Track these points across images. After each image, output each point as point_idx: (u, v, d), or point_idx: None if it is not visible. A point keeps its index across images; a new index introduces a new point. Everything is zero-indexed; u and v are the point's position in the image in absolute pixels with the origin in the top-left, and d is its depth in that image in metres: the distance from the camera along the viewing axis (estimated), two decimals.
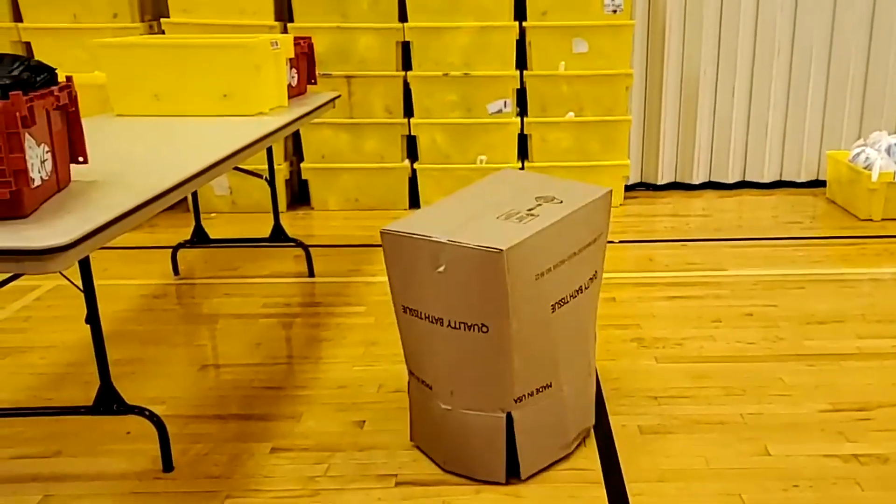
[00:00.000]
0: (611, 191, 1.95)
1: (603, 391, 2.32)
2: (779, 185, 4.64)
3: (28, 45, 4.02)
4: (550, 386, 1.87)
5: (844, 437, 2.07)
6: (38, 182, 1.51)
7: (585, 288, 1.91)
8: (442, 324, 1.77)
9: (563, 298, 1.83)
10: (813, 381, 2.36)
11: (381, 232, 1.82)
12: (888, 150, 3.95)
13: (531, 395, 1.83)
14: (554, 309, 1.81)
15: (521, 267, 1.69)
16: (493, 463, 1.86)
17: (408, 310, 1.84)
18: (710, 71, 4.45)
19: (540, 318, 1.79)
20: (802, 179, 4.62)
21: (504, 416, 1.81)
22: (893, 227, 3.85)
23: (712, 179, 4.64)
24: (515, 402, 1.81)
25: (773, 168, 4.62)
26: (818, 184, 4.57)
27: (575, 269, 1.85)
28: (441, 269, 1.71)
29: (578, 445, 2.04)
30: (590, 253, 1.90)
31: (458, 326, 1.75)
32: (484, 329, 1.73)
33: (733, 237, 3.79)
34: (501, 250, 1.63)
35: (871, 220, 3.93)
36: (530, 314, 1.76)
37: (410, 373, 1.96)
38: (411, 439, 2.04)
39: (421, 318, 1.81)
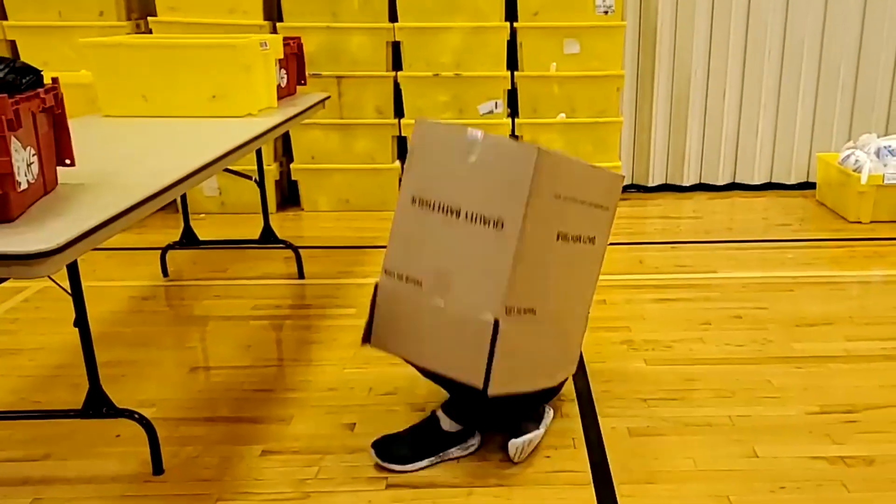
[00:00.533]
0: (623, 176, 2.05)
1: (592, 393, 2.32)
2: (769, 186, 4.66)
3: (13, 43, 3.99)
4: (535, 313, 1.85)
5: (831, 439, 2.08)
6: (24, 185, 1.51)
7: (583, 242, 1.94)
8: (458, 216, 1.79)
9: (567, 235, 1.86)
10: (801, 384, 2.37)
11: (416, 119, 1.87)
12: (877, 153, 3.97)
13: (518, 312, 1.81)
14: (558, 238, 1.84)
15: (547, 176, 1.73)
16: (474, 365, 1.80)
17: (418, 201, 1.85)
18: (701, 73, 4.47)
19: (547, 237, 1.81)
20: (792, 181, 4.65)
21: (493, 321, 1.77)
22: (882, 229, 3.87)
23: (703, 181, 4.66)
24: (506, 312, 1.77)
25: (764, 170, 4.64)
26: (808, 186, 4.59)
27: (583, 217, 1.90)
28: (473, 159, 1.75)
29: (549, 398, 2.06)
30: (597, 215, 1.95)
31: (474, 219, 1.76)
32: (499, 225, 1.74)
33: (723, 239, 3.80)
34: (536, 148, 1.69)
35: (860, 222, 3.95)
36: (541, 228, 1.78)
37: (388, 273, 1.92)
38: (365, 342, 1.98)
39: (433, 210, 1.82)
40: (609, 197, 1.99)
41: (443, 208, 1.81)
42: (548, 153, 1.72)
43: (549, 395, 2.18)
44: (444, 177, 1.82)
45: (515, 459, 1.97)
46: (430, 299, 1.85)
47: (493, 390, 1.78)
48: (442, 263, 1.83)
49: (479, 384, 1.78)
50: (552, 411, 2.13)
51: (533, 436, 1.98)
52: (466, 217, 1.78)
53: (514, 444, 1.95)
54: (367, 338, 1.98)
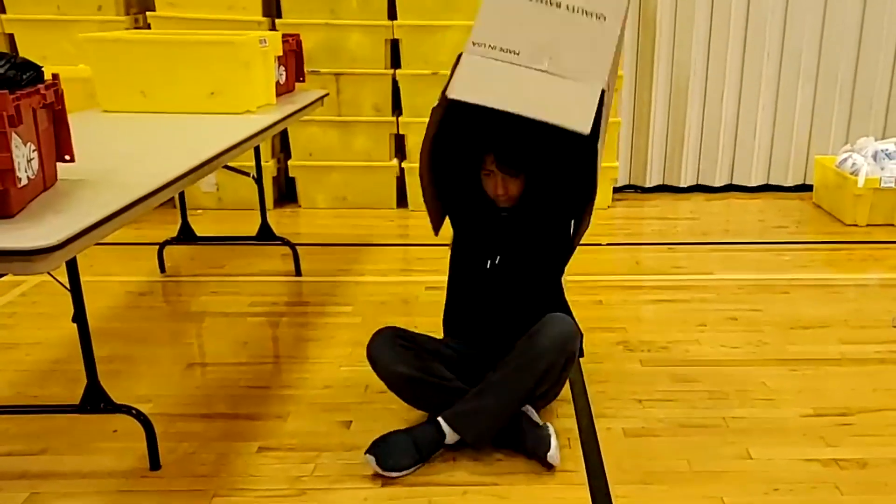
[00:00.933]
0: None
1: (588, 393, 2.33)
2: (766, 188, 4.67)
3: (11, 36, 3.99)
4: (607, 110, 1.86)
5: (825, 442, 2.09)
6: (24, 181, 1.51)
7: (611, 91, 2.02)
8: (559, 6, 1.80)
9: (615, 69, 1.92)
10: (796, 386, 2.38)
11: None
12: (874, 156, 3.99)
13: (603, 101, 1.79)
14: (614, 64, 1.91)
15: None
16: (584, 113, 1.70)
17: None
18: (700, 74, 4.47)
19: (619, 50, 1.85)
20: (789, 184, 4.66)
21: (601, 89, 1.74)
22: (878, 232, 3.89)
23: (700, 182, 4.67)
24: (604, 89, 1.76)
25: (761, 172, 4.65)
26: (805, 188, 4.61)
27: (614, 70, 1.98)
28: None
29: None
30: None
31: (575, 11, 1.79)
32: (602, 18, 1.77)
33: (720, 241, 3.82)
34: None
35: (856, 225, 3.97)
36: (620, 39, 1.82)
37: (478, 44, 1.80)
38: (443, 99, 1.80)
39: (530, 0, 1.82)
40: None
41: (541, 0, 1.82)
42: None
43: (549, 395, 2.18)
44: None
45: (558, 462, 1.96)
46: (532, 63, 1.78)
47: (598, 145, 1.81)
48: (543, 39, 1.79)
49: (587, 129, 1.69)
50: (530, 407, 2.11)
51: (554, 437, 1.97)
52: (567, 8, 1.79)
53: (552, 456, 1.94)
54: (443, 98, 1.80)
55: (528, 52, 1.78)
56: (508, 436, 2.02)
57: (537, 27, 1.80)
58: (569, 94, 1.75)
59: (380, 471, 1.92)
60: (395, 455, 1.93)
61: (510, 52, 1.79)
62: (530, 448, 1.98)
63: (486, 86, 1.78)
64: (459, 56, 1.82)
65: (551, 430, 1.99)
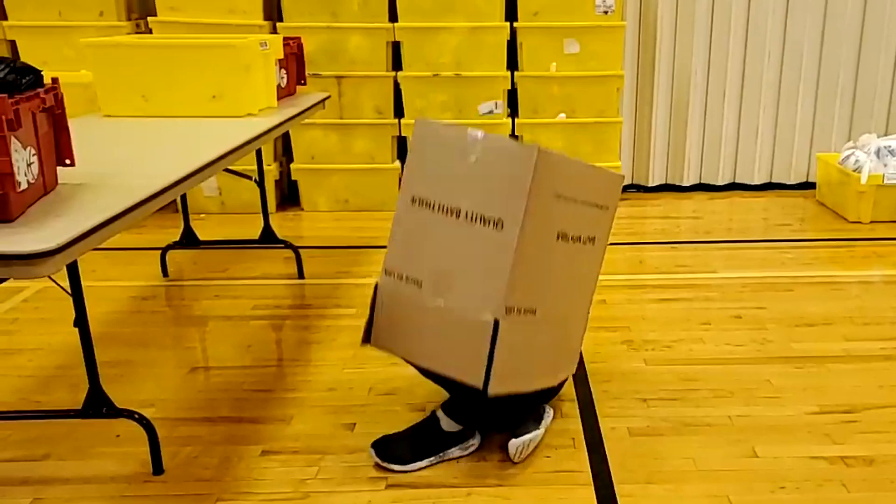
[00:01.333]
0: (623, 176, 2.05)
1: (593, 393, 2.32)
2: (769, 187, 4.66)
3: (13, 43, 4.00)
4: (535, 313, 1.85)
5: (831, 439, 2.08)
6: (24, 185, 1.51)
7: (583, 242, 1.95)
8: (457, 216, 1.80)
9: (567, 234, 1.87)
10: (800, 384, 2.37)
11: (417, 119, 1.90)
12: (877, 153, 3.97)
13: (519, 312, 1.80)
14: (558, 238, 1.85)
15: (547, 175, 1.74)
16: (474, 364, 1.78)
17: (418, 200, 1.86)
18: (701, 72, 4.47)
19: (547, 237, 1.82)
20: (792, 181, 4.65)
21: (493, 321, 1.76)
22: (882, 229, 3.87)
23: (703, 181, 4.66)
24: (506, 311, 1.77)
25: (764, 170, 4.64)
26: (808, 186, 4.60)
27: (583, 217, 1.91)
28: (473, 158, 1.77)
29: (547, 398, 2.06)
30: (597, 215, 1.96)
31: (473, 219, 1.78)
32: (499, 225, 1.75)
33: (723, 239, 3.80)
34: (536, 148, 1.71)
35: (859, 222, 3.95)
36: (541, 228, 1.79)
37: (389, 273, 1.92)
38: (366, 342, 1.97)
39: (433, 210, 1.83)
40: (609, 197, 2.00)
41: (443, 208, 1.82)
42: (548, 153, 1.73)
43: (549, 395, 2.18)
44: (444, 176, 1.83)
45: (515, 459, 1.97)
46: (431, 299, 1.85)
47: (492, 390, 1.78)
48: (442, 264, 1.83)
49: (479, 384, 1.77)
50: (552, 411, 2.14)
51: (533, 436, 1.98)
52: (466, 217, 1.79)
53: (514, 444, 1.96)
54: (367, 338, 1.98)
55: (429, 282, 1.85)
56: (507, 423, 2.04)
57: (438, 247, 1.84)
58: (462, 341, 1.80)
59: (380, 462, 1.94)
60: (393, 447, 1.97)
61: (415, 283, 1.87)
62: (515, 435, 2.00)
63: (397, 334, 1.93)
64: (377, 286, 1.95)
65: (536, 433, 2.01)
